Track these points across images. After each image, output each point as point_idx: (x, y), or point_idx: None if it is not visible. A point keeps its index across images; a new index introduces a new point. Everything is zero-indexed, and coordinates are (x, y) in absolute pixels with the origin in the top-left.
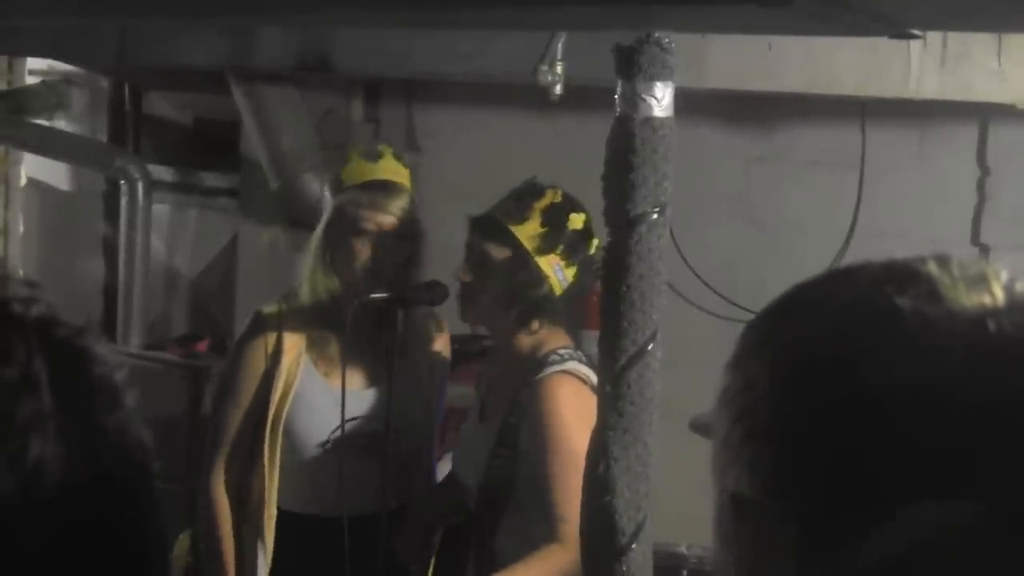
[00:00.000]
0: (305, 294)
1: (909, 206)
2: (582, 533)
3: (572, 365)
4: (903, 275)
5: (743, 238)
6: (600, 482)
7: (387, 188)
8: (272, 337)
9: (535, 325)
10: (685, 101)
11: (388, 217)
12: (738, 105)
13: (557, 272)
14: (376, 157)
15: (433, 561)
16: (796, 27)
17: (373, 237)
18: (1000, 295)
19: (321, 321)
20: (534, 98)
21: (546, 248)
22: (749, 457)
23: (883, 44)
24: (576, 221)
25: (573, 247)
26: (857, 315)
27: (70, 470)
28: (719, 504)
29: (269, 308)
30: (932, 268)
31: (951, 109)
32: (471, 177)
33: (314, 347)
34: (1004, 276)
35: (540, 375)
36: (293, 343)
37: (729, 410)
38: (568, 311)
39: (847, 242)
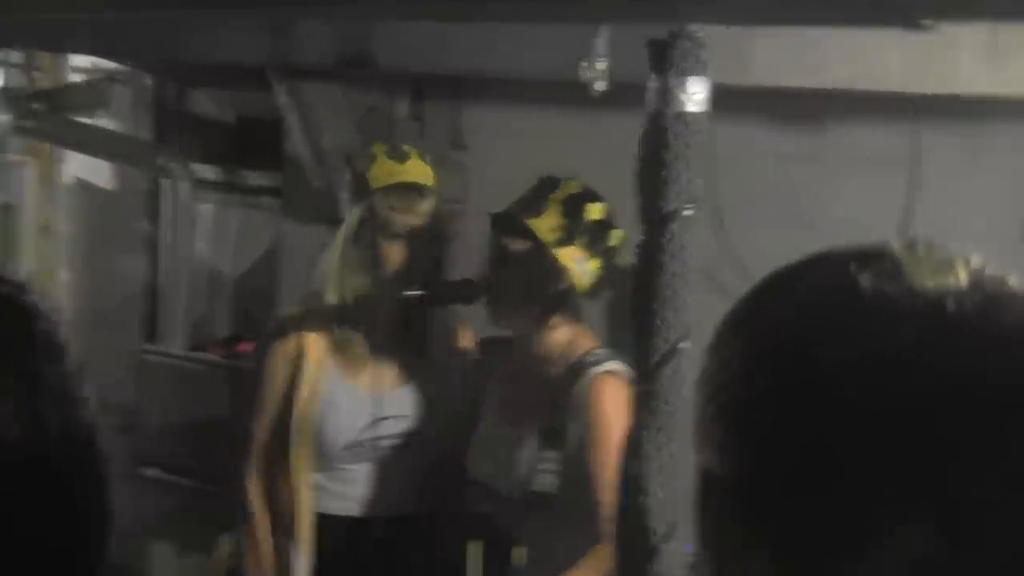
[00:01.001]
0: (331, 295)
1: (960, 204)
2: (616, 532)
3: (613, 365)
4: (868, 257)
5: (792, 236)
6: (633, 481)
7: (418, 191)
8: (294, 341)
9: (557, 320)
10: (730, 98)
11: (419, 220)
12: (786, 103)
13: (579, 265)
14: (403, 158)
15: (478, 569)
16: (803, 17)
17: (404, 240)
18: (964, 277)
19: (345, 323)
20: (579, 95)
21: (565, 240)
22: (719, 437)
23: (930, 39)
24: (594, 211)
25: (593, 238)
26: (820, 296)
27: (10, 423)
28: (695, 482)
29: (291, 312)
30: (897, 249)
31: (1003, 106)
32: (517, 175)
33: (338, 349)
34: (974, 261)
35: (585, 377)
36: (316, 346)
37: (704, 390)
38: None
39: (900, 240)
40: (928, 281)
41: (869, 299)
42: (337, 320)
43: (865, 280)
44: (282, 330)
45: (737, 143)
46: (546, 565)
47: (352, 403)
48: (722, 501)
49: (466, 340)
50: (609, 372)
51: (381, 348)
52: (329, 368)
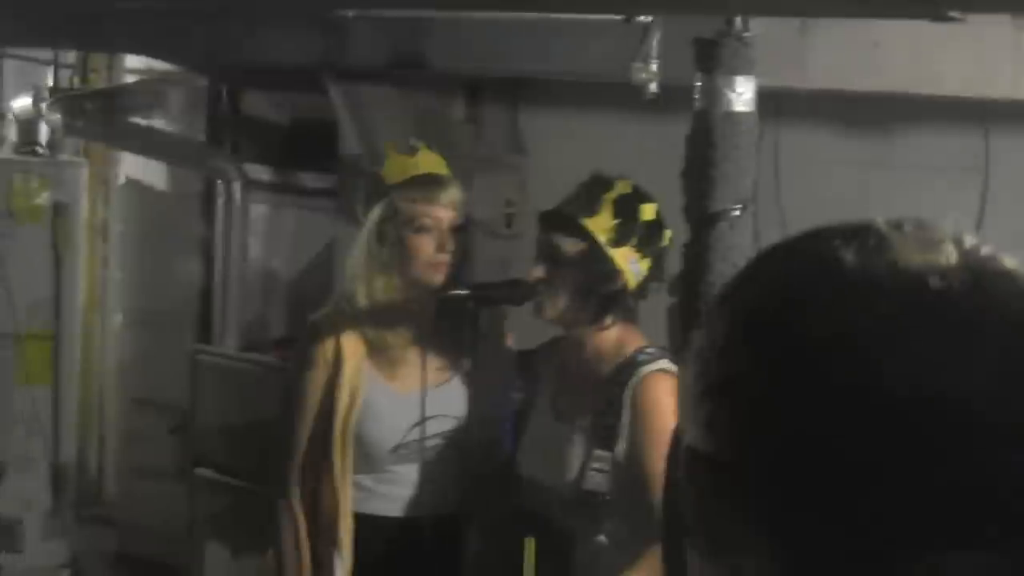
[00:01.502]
0: (361, 296)
1: None
2: (663, 535)
3: (666, 363)
4: (854, 233)
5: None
6: (679, 484)
7: (437, 181)
8: (330, 345)
9: (610, 320)
10: (796, 103)
11: (444, 210)
12: (851, 108)
13: (632, 265)
14: (413, 151)
15: (532, 566)
16: (834, 8)
17: (433, 232)
18: (953, 255)
19: (379, 323)
20: (633, 98)
21: (620, 240)
22: (704, 414)
23: (993, 41)
24: (648, 212)
25: (646, 239)
26: (805, 272)
27: None
28: (683, 463)
29: (322, 316)
30: (883, 225)
31: None
32: (574, 177)
33: (375, 351)
34: (968, 240)
35: (637, 375)
36: (353, 349)
37: (692, 368)
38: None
39: None
40: (915, 258)
41: (851, 274)
42: (370, 322)
43: (848, 255)
44: (317, 334)
45: (803, 148)
46: (597, 564)
47: (394, 405)
48: (708, 479)
49: (508, 338)
50: (662, 370)
51: (421, 347)
52: (368, 371)
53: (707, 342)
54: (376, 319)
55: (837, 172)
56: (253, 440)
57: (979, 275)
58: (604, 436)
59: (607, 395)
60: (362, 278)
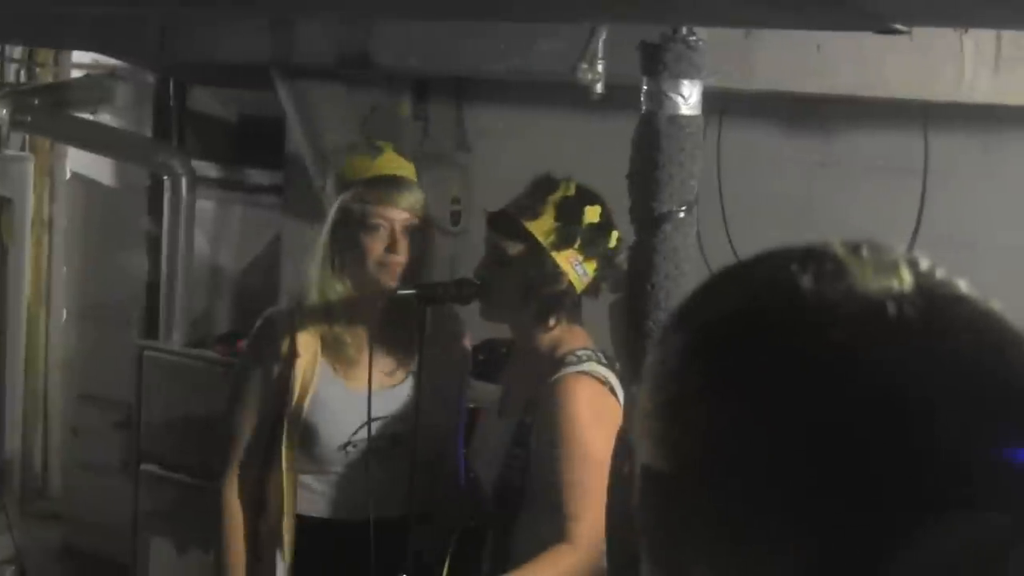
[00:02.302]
0: (314, 297)
1: (973, 212)
2: (607, 538)
3: (590, 366)
4: (812, 257)
5: (802, 242)
6: (625, 483)
7: (393, 182)
8: (285, 340)
9: (553, 321)
10: (740, 104)
11: (397, 211)
12: (796, 109)
13: (576, 267)
14: (377, 152)
15: (448, 561)
16: (779, 20)
17: (383, 233)
18: (908, 280)
19: (334, 321)
20: (580, 97)
21: (562, 243)
22: (658, 431)
23: (936, 45)
24: (592, 214)
25: (591, 241)
26: (762, 294)
27: None
28: (636, 481)
29: (279, 310)
30: (840, 250)
31: (1013, 113)
32: (520, 175)
33: (329, 349)
34: (923, 264)
35: (557, 375)
36: (307, 345)
37: (645, 385)
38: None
39: (910, 248)
40: (871, 283)
41: (807, 299)
42: (325, 320)
43: (805, 281)
44: (271, 329)
45: (747, 149)
46: (508, 562)
47: (345, 404)
48: (661, 496)
49: (463, 339)
50: (582, 372)
51: (373, 347)
52: (321, 368)
53: (660, 360)
54: (330, 317)
55: (779, 171)
56: (198, 436)
57: (933, 300)
58: (522, 433)
59: (531, 394)
60: (316, 279)
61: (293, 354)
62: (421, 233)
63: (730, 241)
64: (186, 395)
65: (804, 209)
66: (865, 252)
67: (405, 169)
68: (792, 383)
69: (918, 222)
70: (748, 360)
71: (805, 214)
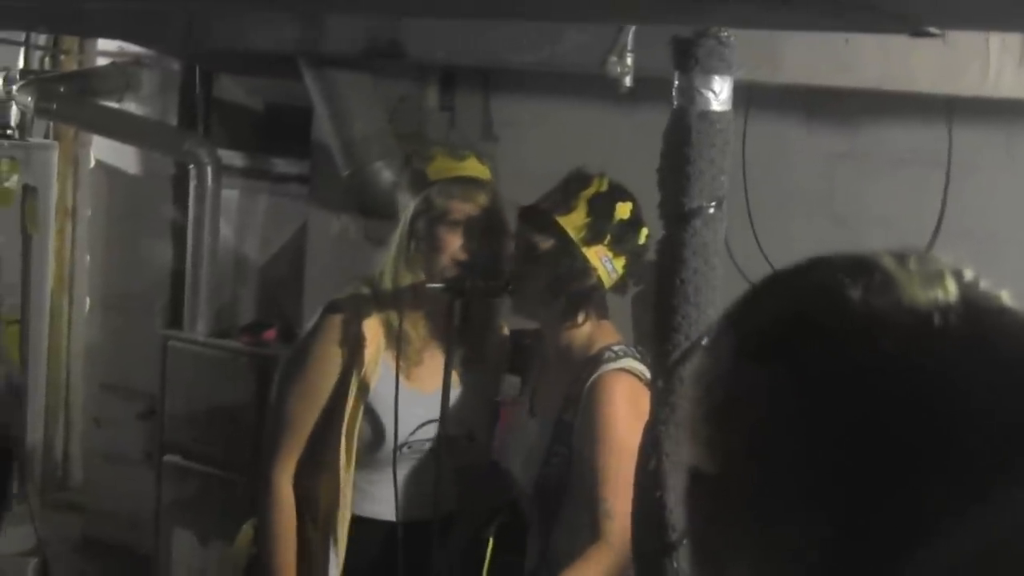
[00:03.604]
0: (387, 284)
1: (996, 206)
2: (633, 528)
3: (628, 362)
4: (861, 268)
5: (825, 235)
6: (651, 477)
7: (476, 183)
8: (352, 328)
9: (581, 317)
10: (764, 96)
11: (477, 209)
12: (819, 102)
13: (606, 263)
14: (462, 157)
15: (488, 561)
16: (811, 23)
17: (461, 228)
18: (953, 291)
19: (401, 315)
20: (608, 89)
21: (593, 239)
22: (708, 434)
23: (961, 41)
24: (623, 210)
25: (621, 237)
26: (812, 304)
27: None
28: (683, 480)
29: (346, 296)
30: (889, 262)
31: None
32: (547, 168)
33: (393, 344)
34: (967, 274)
35: (597, 372)
36: (373, 336)
37: (695, 388)
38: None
39: (932, 242)
40: (918, 295)
41: (856, 309)
42: (392, 311)
43: (855, 292)
44: (338, 316)
45: (772, 141)
46: (549, 561)
47: (407, 404)
48: (709, 500)
49: (502, 334)
50: (622, 369)
51: (434, 347)
52: (385, 364)
53: (709, 366)
54: (398, 309)
55: (802, 164)
56: (222, 427)
57: (977, 311)
58: (563, 432)
59: (569, 392)
60: (390, 271)
61: (359, 345)
62: (498, 233)
63: (754, 234)
64: (210, 385)
65: (827, 202)
66: (912, 263)
67: (485, 173)
68: (842, 392)
69: (941, 215)
70: (799, 368)
71: (828, 207)
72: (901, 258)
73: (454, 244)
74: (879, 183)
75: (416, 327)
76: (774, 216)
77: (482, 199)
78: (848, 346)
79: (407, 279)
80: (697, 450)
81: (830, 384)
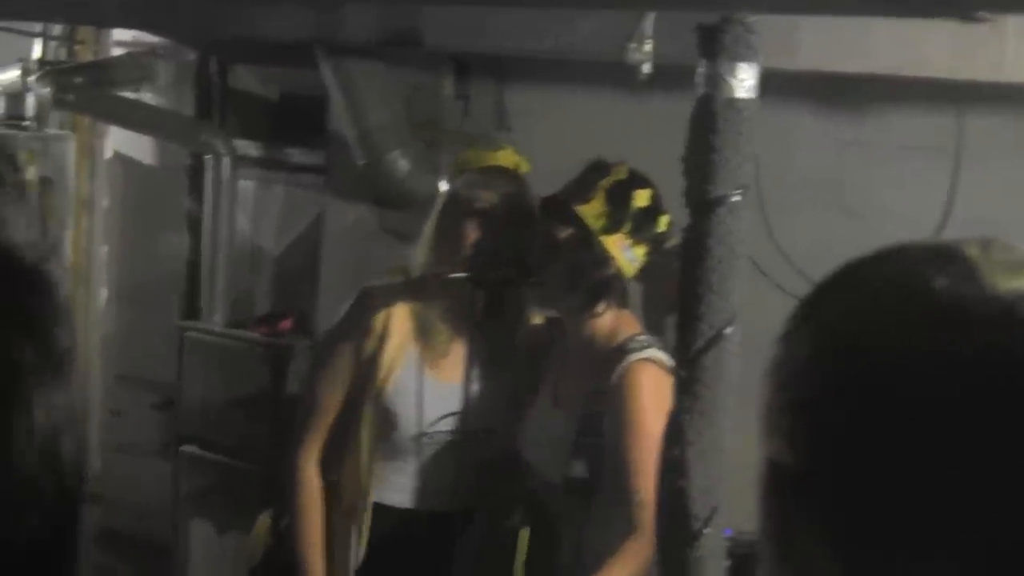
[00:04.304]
0: (417, 274)
1: (1006, 193)
2: (656, 517)
3: (652, 352)
4: (943, 256)
5: (834, 222)
6: (674, 466)
7: (505, 173)
8: (381, 317)
9: (602, 307)
10: (775, 83)
11: (503, 199)
12: (829, 88)
13: (625, 252)
14: (497, 148)
15: (523, 555)
16: (860, 8)
17: (484, 217)
18: None
19: (430, 306)
20: (625, 77)
21: (611, 227)
22: (787, 427)
23: (976, 27)
24: (641, 198)
25: (640, 225)
26: (893, 294)
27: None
28: (760, 474)
29: (378, 285)
30: (972, 251)
31: None
32: (561, 156)
33: (421, 334)
34: None
35: (623, 363)
36: (401, 326)
37: (773, 380)
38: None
39: (941, 229)
40: (1002, 284)
41: (942, 302)
42: (421, 301)
43: (939, 282)
44: (369, 304)
45: (781, 129)
46: (583, 553)
47: (430, 395)
48: (788, 493)
49: (528, 325)
50: (648, 359)
51: (461, 338)
52: (409, 354)
53: (788, 357)
54: (425, 301)
55: (811, 150)
56: (238, 417)
57: None
58: (590, 424)
59: (595, 382)
60: (422, 258)
61: (387, 334)
62: (524, 224)
63: (766, 221)
64: (227, 376)
65: (836, 190)
66: (995, 252)
67: (521, 166)
68: (930, 385)
69: (950, 202)
70: (884, 362)
71: (837, 195)
72: (984, 246)
73: (475, 233)
74: (888, 171)
75: (444, 319)
76: (783, 204)
77: (508, 189)
78: (934, 340)
79: (435, 269)
80: (777, 443)
81: (917, 379)
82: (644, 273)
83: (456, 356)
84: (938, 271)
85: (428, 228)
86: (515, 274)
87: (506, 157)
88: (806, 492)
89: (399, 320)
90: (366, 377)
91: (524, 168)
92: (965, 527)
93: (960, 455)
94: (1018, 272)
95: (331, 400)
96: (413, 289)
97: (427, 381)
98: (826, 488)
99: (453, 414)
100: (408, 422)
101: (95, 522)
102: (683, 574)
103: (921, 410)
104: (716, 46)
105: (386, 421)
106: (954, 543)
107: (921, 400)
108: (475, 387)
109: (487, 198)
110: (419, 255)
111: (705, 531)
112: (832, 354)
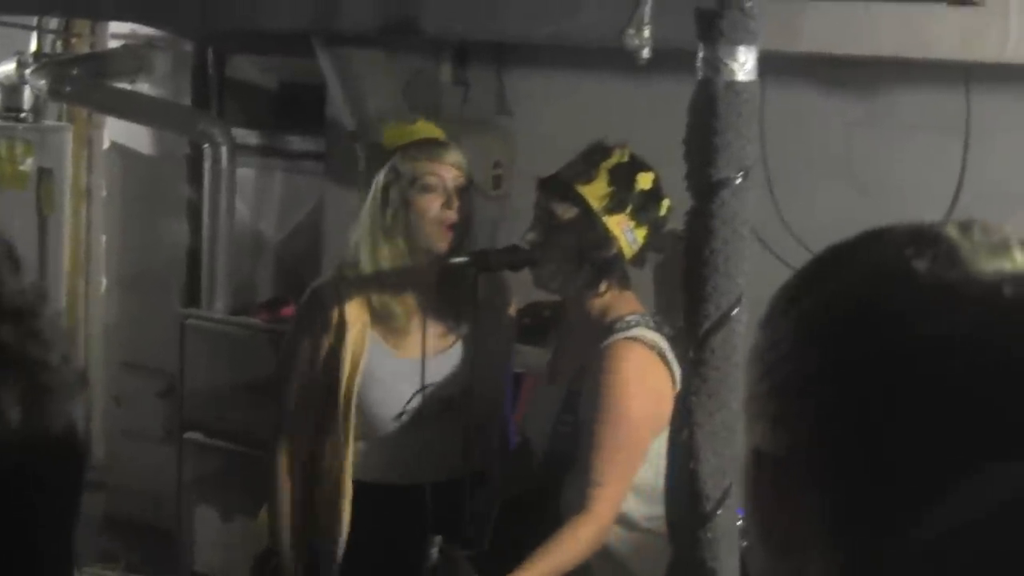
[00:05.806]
0: (365, 263)
1: (1015, 170)
2: (665, 499)
3: (639, 331)
4: (925, 239)
5: (845, 202)
6: (684, 448)
7: (438, 143)
8: (333, 312)
9: (604, 286)
10: (782, 64)
11: (448, 169)
12: (838, 69)
13: (627, 233)
14: (412, 121)
15: (494, 525)
16: None
17: (437, 190)
18: (1021, 261)
19: (384, 291)
20: (624, 61)
21: (614, 208)
22: (772, 414)
23: (980, 8)
24: (644, 180)
25: (642, 207)
26: (876, 278)
27: None
28: (745, 460)
29: (325, 282)
30: (953, 233)
31: None
32: (563, 140)
33: (379, 319)
34: None
35: (606, 341)
36: (356, 316)
37: (756, 367)
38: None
39: (952, 207)
40: (984, 265)
41: (925, 284)
42: (376, 289)
43: (921, 264)
44: (319, 300)
45: (790, 109)
46: (557, 526)
47: (397, 375)
48: (774, 477)
49: (510, 305)
50: (632, 338)
51: (424, 314)
52: (372, 339)
53: (771, 343)
54: (381, 286)
55: (820, 130)
56: (242, 403)
57: None
58: (572, 400)
59: (581, 360)
60: (367, 245)
61: (342, 326)
62: (468, 194)
63: (774, 202)
64: (229, 362)
65: (846, 169)
66: (976, 233)
67: (439, 133)
68: (915, 367)
69: (960, 181)
70: (868, 344)
71: (847, 174)
72: (965, 228)
73: (433, 207)
74: (898, 149)
75: (401, 299)
76: (793, 184)
77: (447, 156)
78: (919, 322)
79: (386, 251)
80: (762, 429)
81: (902, 362)
82: (658, 255)
83: (418, 330)
84: (919, 254)
85: (369, 214)
86: (521, 256)
87: (425, 128)
88: (792, 476)
89: (354, 310)
90: (333, 371)
91: (443, 136)
92: (952, 508)
93: (946, 437)
94: (999, 253)
95: (295, 400)
96: (362, 279)
97: (394, 363)
98: (810, 474)
99: (425, 387)
100: (383, 406)
101: (100, 509)
102: (696, 556)
103: (906, 393)
104: (714, 30)
105: (362, 409)
106: (941, 525)
107: (906, 383)
108: (451, 362)
109: (431, 170)
110: (365, 242)
111: (717, 513)
112: (817, 339)
